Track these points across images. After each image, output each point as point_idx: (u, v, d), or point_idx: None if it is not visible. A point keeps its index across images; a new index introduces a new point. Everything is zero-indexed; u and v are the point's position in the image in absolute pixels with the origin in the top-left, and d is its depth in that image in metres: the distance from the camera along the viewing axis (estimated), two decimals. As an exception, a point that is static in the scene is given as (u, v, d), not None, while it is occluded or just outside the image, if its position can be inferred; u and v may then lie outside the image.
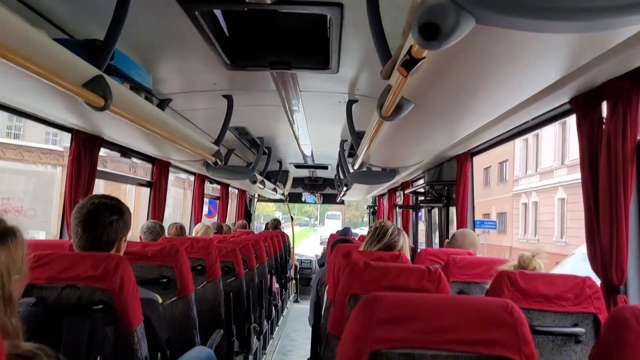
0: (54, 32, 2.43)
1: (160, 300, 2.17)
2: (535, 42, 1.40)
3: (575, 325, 1.87)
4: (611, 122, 1.95)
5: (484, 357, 1.19)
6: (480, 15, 1.09)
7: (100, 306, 1.68)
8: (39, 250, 1.81)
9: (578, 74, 1.82)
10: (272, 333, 6.57)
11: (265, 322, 5.58)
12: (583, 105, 2.10)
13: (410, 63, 1.41)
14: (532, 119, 2.68)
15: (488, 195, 29.95)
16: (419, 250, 4.84)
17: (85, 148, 3.08)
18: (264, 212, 27.28)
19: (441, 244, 4.89)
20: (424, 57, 1.39)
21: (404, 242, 2.67)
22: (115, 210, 1.90)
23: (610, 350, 1.12)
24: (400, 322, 1.20)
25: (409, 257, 2.65)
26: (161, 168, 4.59)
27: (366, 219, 11.91)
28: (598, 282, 2.03)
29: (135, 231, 4.36)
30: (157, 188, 4.57)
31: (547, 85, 1.88)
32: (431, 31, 1.13)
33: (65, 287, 1.70)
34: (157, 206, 4.53)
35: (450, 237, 3.54)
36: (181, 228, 4.48)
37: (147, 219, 4.40)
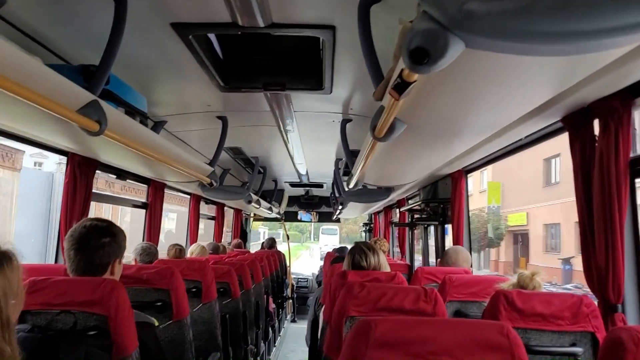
0: (49, 57, 2.45)
1: (157, 323, 2.15)
2: (525, 64, 1.41)
3: (573, 344, 1.87)
4: (603, 140, 1.96)
5: (481, 381, 1.18)
6: (469, 40, 1.10)
7: (95, 332, 1.67)
8: (35, 274, 1.79)
9: (569, 93, 1.84)
10: (269, 354, 6.50)
11: (262, 343, 5.53)
12: (575, 124, 2.12)
13: (401, 87, 1.43)
14: (526, 137, 2.70)
15: (555, 196, 21.99)
16: (415, 268, 4.83)
17: (81, 171, 3.07)
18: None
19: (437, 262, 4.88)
20: (415, 81, 1.40)
21: (381, 258, 2.70)
22: (106, 232, 1.89)
23: (607, 372, 1.12)
24: (395, 347, 1.19)
25: (388, 269, 2.67)
26: (156, 189, 4.58)
27: (364, 235, 11.86)
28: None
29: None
30: (153, 209, 4.55)
31: (538, 105, 1.90)
32: (421, 56, 1.14)
33: (60, 313, 1.68)
34: (152, 228, 4.51)
35: (442, 254, 3.54)
36: (180, 250, 4.45)
37: (143, 241, 4.38)
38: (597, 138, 2.04)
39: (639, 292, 2.06)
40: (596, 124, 2.04)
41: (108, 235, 1.89)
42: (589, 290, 2.12)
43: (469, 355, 1.18)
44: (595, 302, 1.97)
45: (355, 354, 1.22)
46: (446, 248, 4.00)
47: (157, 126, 3.75)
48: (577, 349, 1.85)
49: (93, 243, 1.84)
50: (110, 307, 1.69)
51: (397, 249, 7.20)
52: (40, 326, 1.64)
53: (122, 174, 3.86)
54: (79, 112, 1.89)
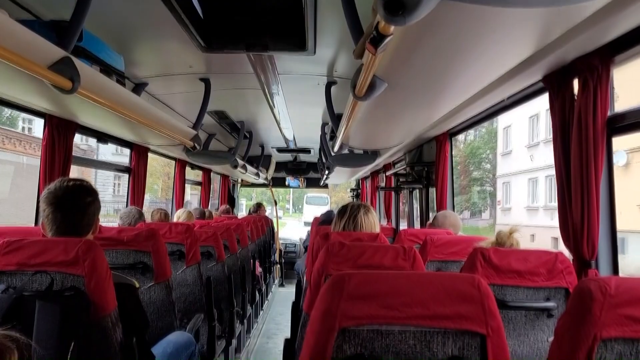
0: (18, 12, 2.36)
1: (137, 285, 2.15)
2: (503, 17, 1.39)
3: (548, 299, 1.90)
4: (582, 98, 1.96)
5: (452, 332, 1.20)
6: None
7: (72, 292, 1.66)
8: (10, 236, 1.77)
9: (549, 50, 1.82)
10: (256, 317, 6.58)
11: (249, 306, 5.59)
12: (555, 83, 2.11)
13: (377, 40, 1.40)
14: (508, 98, 2.69)
15: None
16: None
17: (59, 134, 3.01)
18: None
19: (422, 225, 4.92)
20: (392, 34, 1.37)
21: (371, 216, 2.69)
22: (90, 191, 1.86)
23: (575, 322, 1.13)
24: (369, 299, 1.20)
25: (378, 230, 2.67)
26: (140, 153, 4.53)
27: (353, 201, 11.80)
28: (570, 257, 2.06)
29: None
30: (136, 174, 4.52)
31: (519, 62, 1.88)
32: (396, 6, 1.12)
33: (35, 273, 1.67)
34: (136, 192, 4.48)
35: (432, 219, 3.57)
36: (165, 214, 4.46)
37: (127, 206, 4.36)
38: (576, 97, 2.03)
39: (612, 249, 2.09)
40: (575, 83, 2.03)
41: (92, 195, 1.86)
42: None
43: (440, 306, 1.20)
44: (571, 259, 2.00)
45: (329, 306, 1.23)
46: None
47: (138, 88, 3.69)
48: (551, 304, 1.88)
49: (80, 203, 1.81)
50: (87, 267, 1.68)
51: (383, 221, 7.22)
52: (15, 287, 1.63)
53: (102, 137, 3.80)
54: (50, 69, 1.83)
